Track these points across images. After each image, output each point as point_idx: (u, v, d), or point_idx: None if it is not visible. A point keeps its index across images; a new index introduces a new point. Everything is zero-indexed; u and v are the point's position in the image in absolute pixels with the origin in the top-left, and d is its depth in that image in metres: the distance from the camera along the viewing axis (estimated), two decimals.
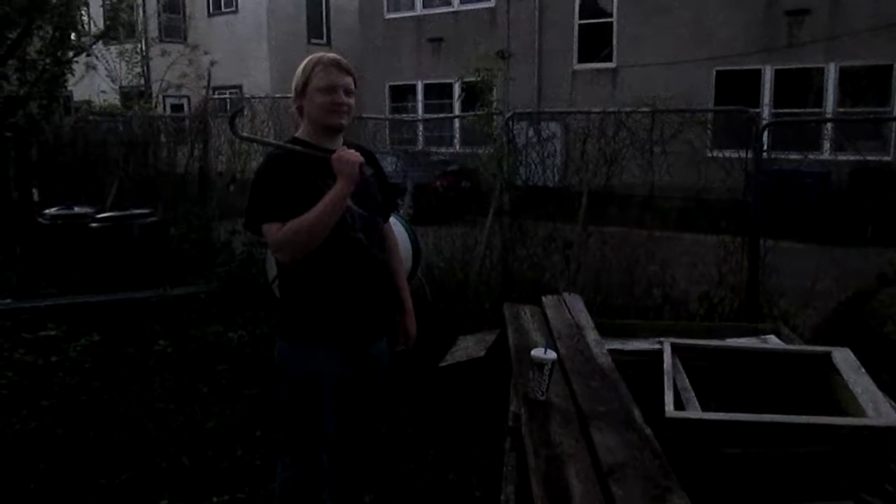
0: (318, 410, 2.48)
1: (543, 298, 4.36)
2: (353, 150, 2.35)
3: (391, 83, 17.90)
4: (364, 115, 7.83)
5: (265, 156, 2.49)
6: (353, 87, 2.43)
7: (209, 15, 21.11)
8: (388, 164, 8.27)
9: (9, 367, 4.91)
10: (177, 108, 18.38)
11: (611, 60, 14.93)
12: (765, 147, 4.94)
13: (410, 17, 17.85)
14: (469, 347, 4.61)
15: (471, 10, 16.82)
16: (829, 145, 9.39)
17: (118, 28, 10.90)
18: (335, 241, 2.33)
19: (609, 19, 15.00)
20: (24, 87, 8.17)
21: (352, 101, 2.42)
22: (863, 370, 3.15)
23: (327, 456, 2.56)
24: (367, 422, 2.72)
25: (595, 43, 15.11)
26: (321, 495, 2.60)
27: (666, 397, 2.94)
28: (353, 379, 2.54)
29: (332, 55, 2.45)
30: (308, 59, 2.44)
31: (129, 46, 17.01)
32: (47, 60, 8.32)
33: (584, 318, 3.94)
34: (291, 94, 2.46)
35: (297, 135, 2.50)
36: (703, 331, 4.05)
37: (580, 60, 15.41)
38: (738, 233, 4.88)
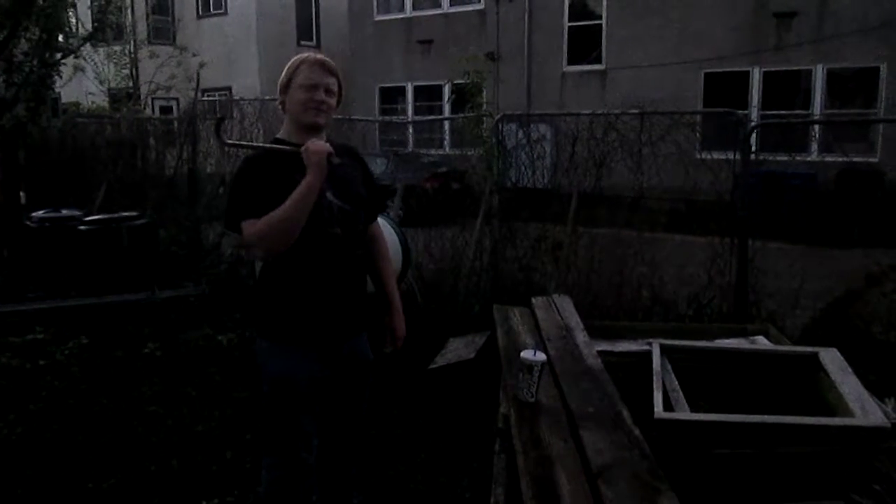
0: (296, 410, 2.48)
1: (533, 300, 4.36)
2: (321, 142, 2.35)
3: (381, 85, 17.90)
4: (354, 117, 7.84)
5: (242, 158, 2.49)
6: (335, 88, 2.45)
7: (198, 17, 21.03)
8: (378, 166, 8.30)
9: None
10: (165, 110, 18.30)
11: (600, 62, 14.98)
12: (753, 148, 4.97)
13: (400, 18, 17.85)
14: (459, 349, 4.61)
15: (460, 11, 16.83)
16: (816, 147, 9.46)
17: (106, 30, 10.79)
18: (311, 235, 2.33)
19: (598, 21, 15.05)
20: (10, 89, 8.11)
21: (332, 101, 2.44)
22: (850, 370, 3.16)
23: (314, 457, 2.56)
24: (352, 422, 2.71)
25: (584, 45, 15.16)
26: (308, 496, 2.59)
27: (655, 398, 2.95)
28: (331, 378, 2.53)
29: (318, 55, 2.47)
30: (295, 57, 2.47)
31: (117, 48, 16.92)
32: (34, 62, 8.25)
33: (574, 320, 3.95)
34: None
35: (278, 135, 2.51)
36: (691, 332, 4.06)
37: (569, 62, 15.45)
38: (727, 234, 4.90)
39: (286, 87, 2.43)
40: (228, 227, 2.44)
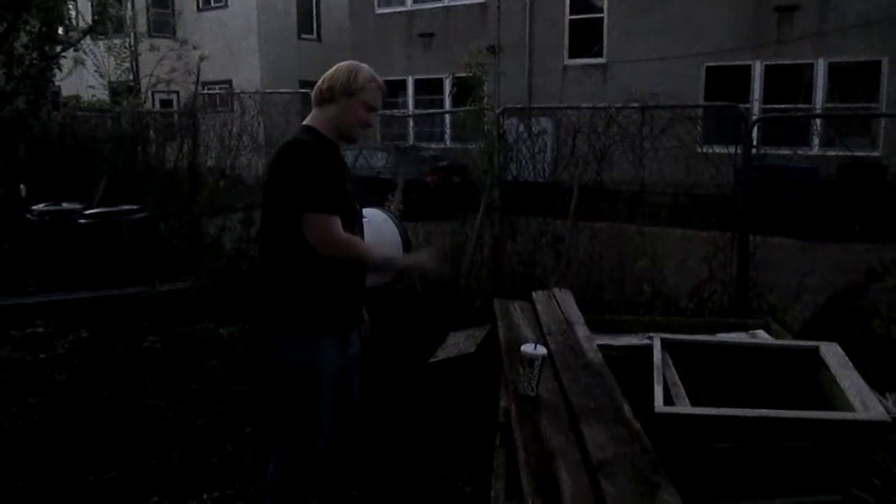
0: (317, 400, 2.52)
1: (534, 294, 4.35)
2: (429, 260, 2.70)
3: (382, 78, 17.80)
4: None
5: (295, 148, 2.42)
6: None
7: (198, 10, 20.98)
8: (379, 160, 8.28)
9: None
10: (166, 103, 18.25)
11: (601, 56, 14.94)
12: (754, 143, 4.95)
13: (401, 12, 17.80)
14: (459, 343, 4.61)
15: (461, 5, 16.78)
16: (818, 141, 9.44)
17: (106, 22, 10.78)
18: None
19: (600, 15, 15.01)
20: (10, 82, 8.10)
21: None
22: (850, 365, 3.16)
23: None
24: (351, 408, 2.77)
25: (586, 38, 15.11)
26: (312, 489, 2.61)
27: (655, 392, 2.95)
28: (342, 366, 2.61)
29: (379, 77, 2.61)
30: (362, 66, 2.58)
31: (117, 41, 16.87)
32: (34, 55, 8.25)
33: (575, 314, 3.94)
34: (323, 84, 2.53)
35: (313, 125, 2.52)
36: (692, 326, 4.06)
37: (571, 56, 15.41)
38: (728, 228, 4.89)
39: (349, 93, 2.49)
40: (305, 210, 2.36)
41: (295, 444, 2.56)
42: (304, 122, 2.55)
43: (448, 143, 11.92)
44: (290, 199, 2.37)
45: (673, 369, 3.25)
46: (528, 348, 2.75)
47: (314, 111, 2.55)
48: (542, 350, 2.75)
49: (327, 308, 2.48)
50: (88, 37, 10.40)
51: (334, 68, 2.55)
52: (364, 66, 2.56)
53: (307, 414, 2.52)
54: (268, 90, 8.97)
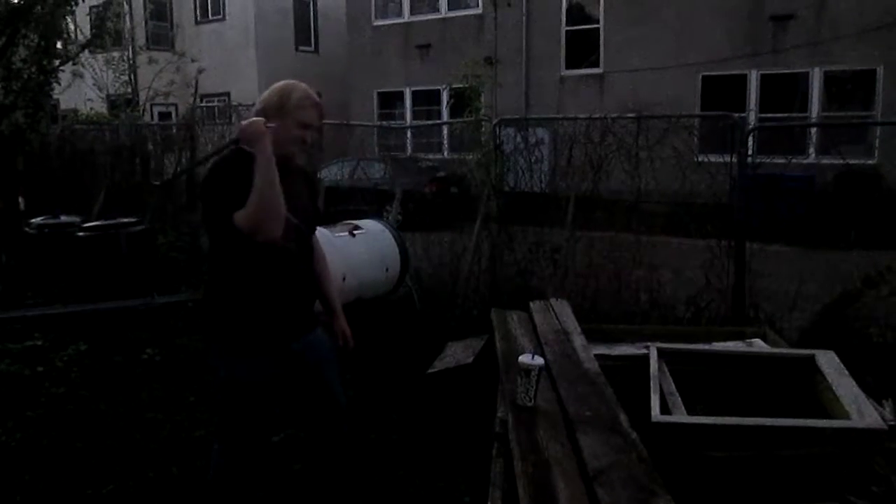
0: (247, 412, 2.58)
1: (531, 304, 4.37)
2: (252, 118, 2.42)
3: (379, 90, 17.92)
4: (352, 123, 7.85)
5: (212, 165, 2.56)
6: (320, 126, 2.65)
7: (196, 23, 21.06)
8: (377, 171, 8.31)
9: None
10: (164, 116, 18.32)
11: (598, 66, 15.00)
12: (750, 151, 4.98)
13: (398, 23, 17.87)
14: (457, 354, 4.61)
15: (458, 16, 16.86)
16: (813, 149, 9.47)
17: (104, 36, 10.84)
18: (269, 249, 2.40)
19: (596, 25, 15.07)
20: (9, 96, 8.13)
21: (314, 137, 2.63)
22: (846, 372, 3.17)
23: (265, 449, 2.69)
24: (328, 408, 2.75)
25: (582, 49, 15.18)
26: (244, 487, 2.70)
27: (652, 401, 2.96)
28: (283, 376, 2.61)
29: (315, 94, 2.56)
30: (297, 85, 2.53)
31: (115, 54, 16.95)
32: (32, 69, 8.28)
33: (572, 324, 3.96)
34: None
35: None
36: (689, 335, 4.08)
37: (567, 66, 15.47)
38: (724, 237, 4.91)
39: (282, 112, 2.47)
40: (216, 221, 2.44)
41: (228, 442, 2.65)
42: None
43: (446, 153, 11.96)
44: (207, 218, 2.49)
45: (669, 378, 3.26)
46: (525, 358, 2.76)
47: None
48: (539, 360, 2.76)
49: (253, 325, 2.50)
50: (87, 50, 10.44)
51: (269, 89, 2.56)
52: (300, 85, 2.53)
53: (231, 422, 2.61)
54: None
